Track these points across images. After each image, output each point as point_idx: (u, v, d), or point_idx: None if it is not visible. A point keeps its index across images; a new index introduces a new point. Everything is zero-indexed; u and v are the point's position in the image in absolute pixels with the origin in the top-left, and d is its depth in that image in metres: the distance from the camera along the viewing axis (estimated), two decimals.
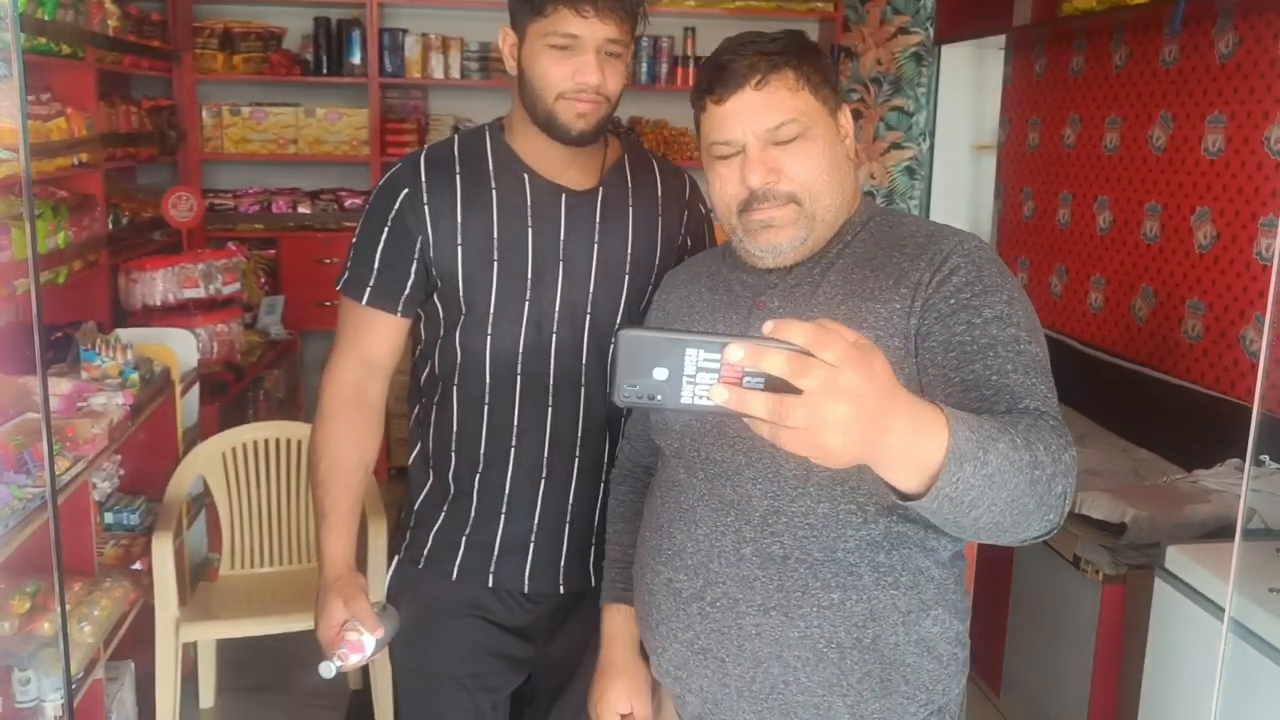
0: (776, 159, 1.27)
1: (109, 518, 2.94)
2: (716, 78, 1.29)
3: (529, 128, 1.61)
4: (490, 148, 1.66)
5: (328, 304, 4.67)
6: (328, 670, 1.48)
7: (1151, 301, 3.23)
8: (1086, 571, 2.52)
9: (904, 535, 1.26)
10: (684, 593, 1.32)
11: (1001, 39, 4.26)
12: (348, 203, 4.76)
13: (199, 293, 3.59)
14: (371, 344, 1.65)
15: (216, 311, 3.67)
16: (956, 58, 4.90)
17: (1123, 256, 3.40)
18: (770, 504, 1.27)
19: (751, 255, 1.33)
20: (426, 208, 1.60)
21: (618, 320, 1.66)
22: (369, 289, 1.62)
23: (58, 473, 2.20)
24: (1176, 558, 2.14)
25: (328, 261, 4.61)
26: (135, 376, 2.83)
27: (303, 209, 4.74)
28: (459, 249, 1.60)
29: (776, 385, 0.81)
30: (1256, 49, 2.80)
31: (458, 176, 1.63)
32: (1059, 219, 3.81)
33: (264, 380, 4.19)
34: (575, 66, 1.52)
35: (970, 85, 4.96)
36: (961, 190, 5.04)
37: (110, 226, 3.74)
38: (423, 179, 1.62)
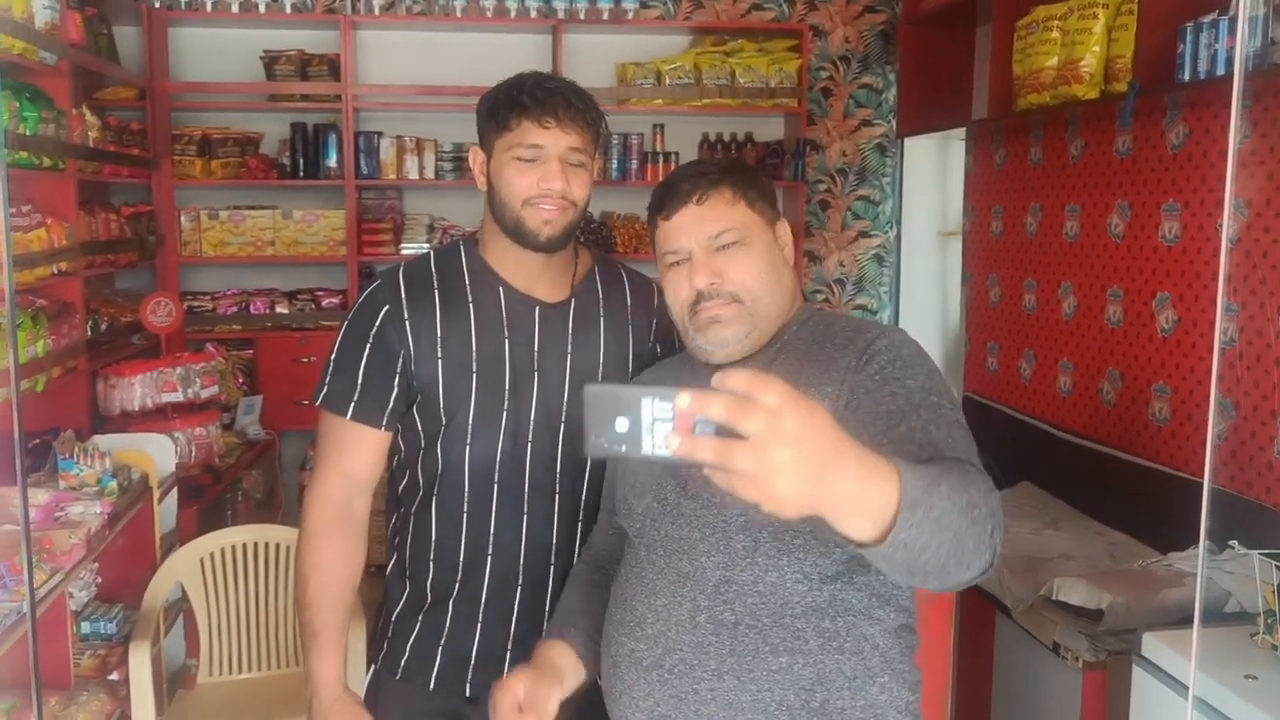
0: (718, 263, 1.46)
1: (85, 627, 2.91)
2: (665, 196, 1.51)
3: (501, 239, 1.66)
4: (465, 262, 1.71)
5: (305, 403, 4.65)
6: None
7: (1118, 385, 3.30)
8: (1066, 658, 2.53)
9: (849, 603, 1.36)
10: (644, 661, 1.40)
11: (962, 131, 4.39)
12: (325, 302, 4.80)
13: (177, 397, 3.60)
14: (356, 459, 1.67)
15: (195, 414, 3.67)
16: (920, 148, 5.04)
17: (1088, 341, 3.47)
18: (723, 574, 1.37)
19: (702, 350, 1.49)
20: (408, 323, 1.64)
21: None
22: (353, 404, 1.65)
23: (35, 585, 2.20)
24: (1153, 644, 2.16)
25: (306, 360, 4.63)
26: (113, 484, 2.82)
27: (280, 309, 4.77)
28: (439, 362, 1.64)
29: (727, 434, 0.86)
30: (1206, 139, 2.91)
31: (436, 292, 1.67)
32: (1024, 304, 3.89)
33: (242, 481, 4.17)
34: (540, 174, 1.60)
35: (934, 174, 5.09)
36: (929, 276, 5.14)
37: (89, 333, 3.76)
38: (403, 296, 1.66)
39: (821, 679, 1.33)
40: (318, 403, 1.68)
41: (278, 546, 3.02)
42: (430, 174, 4.80)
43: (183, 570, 2.93)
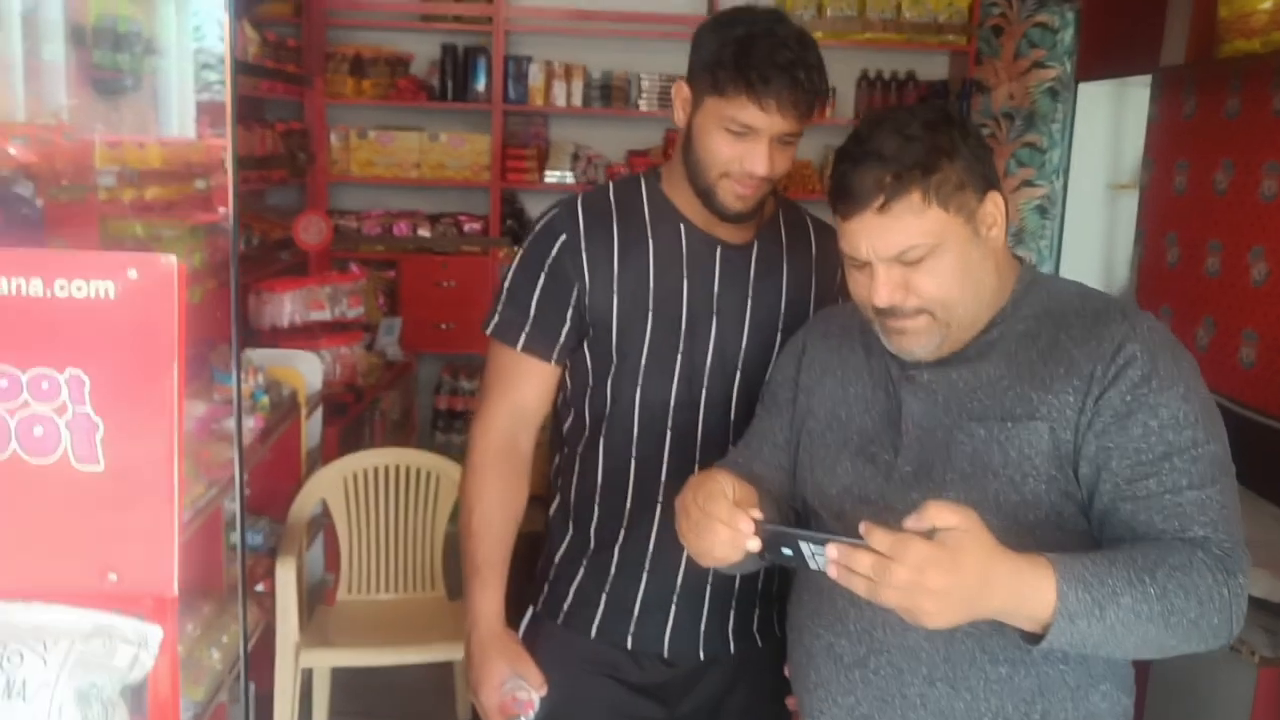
0: (904, 276, 1.22)
1: (234, 538, 2.97)
2: (839, 195, 1.24)
3: (687, 184, 1.57)
4: (646, 196, 1.62)
5: (443, 326, 4.72)
6: None
7: None
8: (1241, 652, 2.36)
9: None
10: (845, 658, 1.31)
11: (1143, 77, 4.09)
12: (467, 227, 4.80)
13: (325, 315, 3.64)
14: (524, 392, 1.62)
15: (340, 334, 3.71)
16: (1094, 94, 4.72)
17: (1279, 311, 3.21)
18: None
19: (890, 349, 1.31)
20: (584, 254, 1.57)
21: (772, 362, 1.59)
22: (524, 334, 1.59)
23: (194, 498, 2.23)
24: None
25: (446, 284, 4.65)
26: (265, 400, 2.86)
27: (422, 231, 4.79)
28: (615, 297, 1.57)
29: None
30: None
31: (615, 224, 1.59)
32: (1207, 267, 3.63)
33: (380, 402, 4.22)
34: (746, 151, 1.47)
35: (1108, 122, 4.78)
36: (1095, 232, 4.85)
37: (242, 247, 3.81)
38: (580, 226, 1.58)
39: (1043, 689, 1.24)
40: (488, 331, 1.63)
41: (418, 471, 3.03)
42: (578, 101, 4.71)
43: (327, 488, 2.97)
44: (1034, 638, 1.08)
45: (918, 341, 1.26)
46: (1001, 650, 1.23)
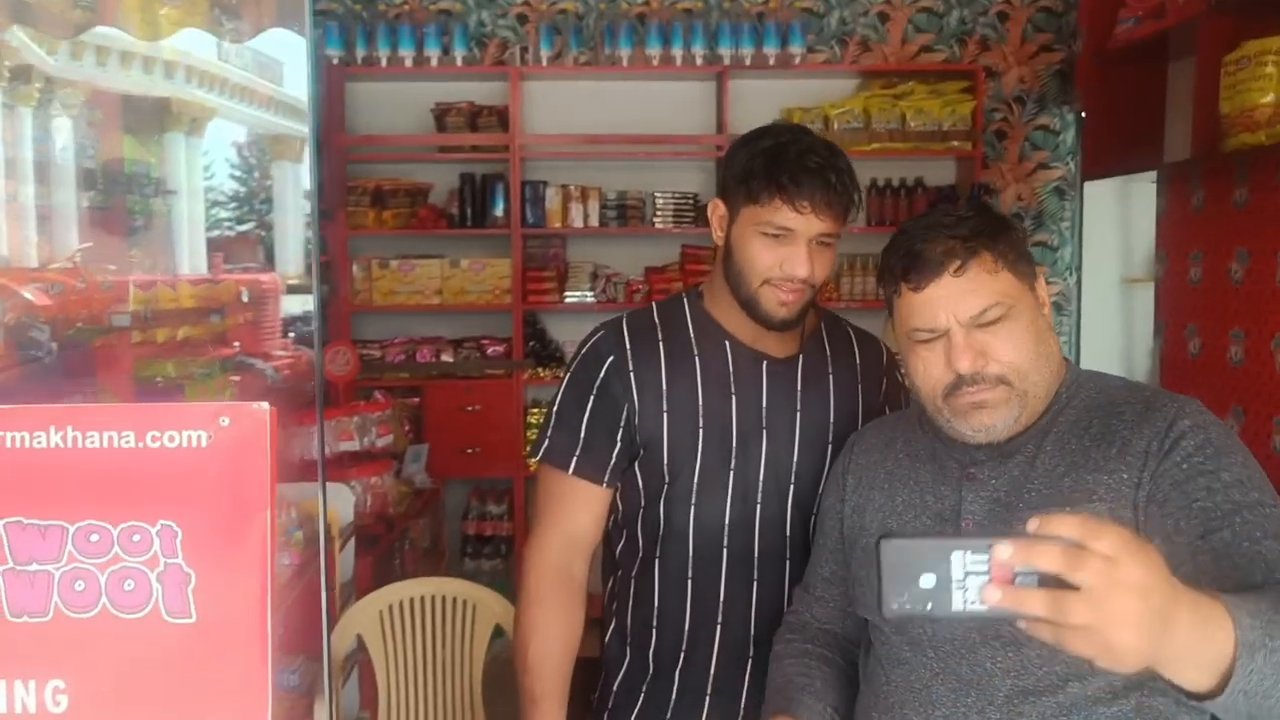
0: (983, 342, 1.25)
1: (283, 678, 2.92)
2: (912, 265, 1.27)
3: (730, 299, 1.59)
4: (690, 315, 1.65)
5: (469, 451, 4.72)
6: None
7: None
8: None
9: (1156, 710, 1.19)
10: None
11: (1151, 173, 4.16)
12: (490, 350, 4.83)
13: (354, 445, 3.64)
14: (576, 517, 1.61)
15: (370, 463, 3.70)
16: (1100, 191, 4.80)
17: None
18: (1014, 682, 1.21)
19: (963, 435, 1.29)
20: (633, 374, 1.58)
21: (820, 490, 1.59)
22: (575, 459, 1.59)
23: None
24: None
25: (471, 409, 4.66)
26: (299, 535, 2.84)
27: (446, 357, 4.82)
28: (664, 416, 1.57)
29: (1050, 584, 0.81)
30: None
31: (661, 343, 1.61)
32: (1230, 357, 3.63)
33: (410, 530, 4.19)
34: (785, 256, 1.50)
35: (1116, 218, 4.84)
36: (1113, 325, 4.87)
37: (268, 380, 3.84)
38: (628, 346, 1.60)
39: None
40: (537, 458, 1.63)
41: (454, 600, 2.99)
42: (595, 222, 4.80)
43: (362, 622, 2.93)
44: (1197, 696, 0.93)
45: (997, 415, 1.26)
46: None
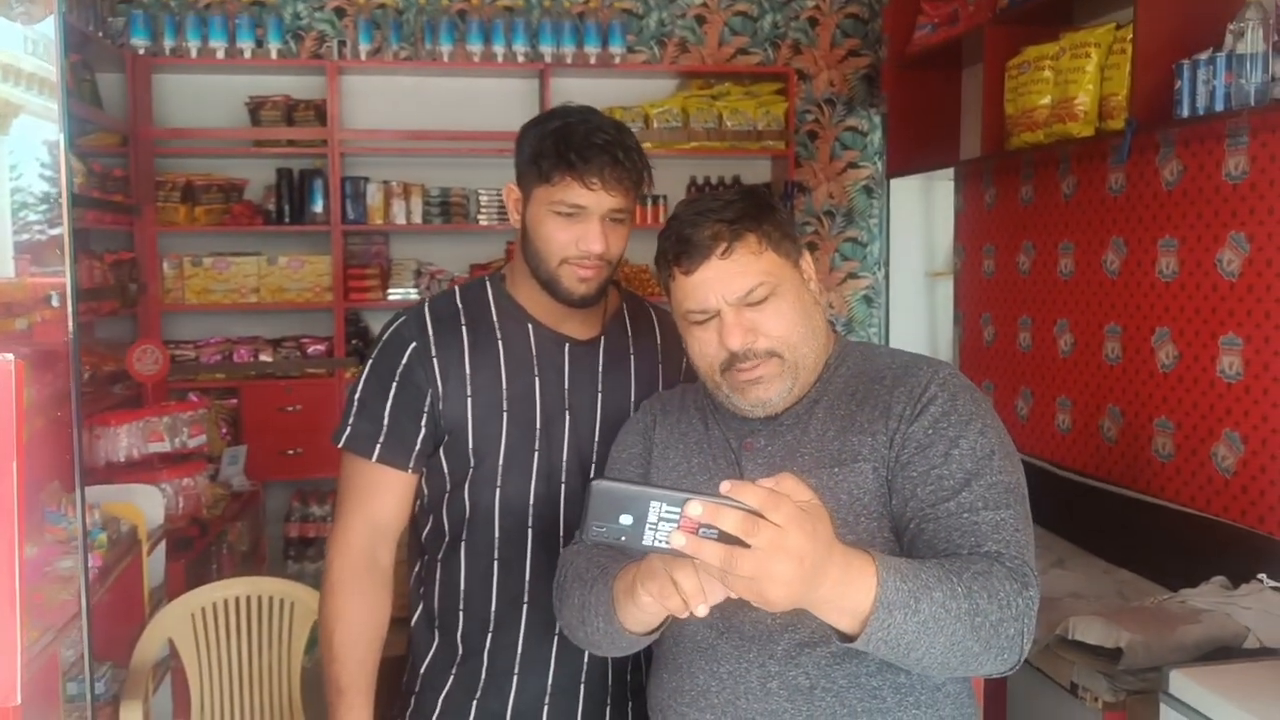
0: (751, 320, 1.33)
1: (71, 688, 2.80)
2: (682, 250, 1.35)
3: (531, 280, 1.62)
4: (493, 298, 1.67)
5: (290, 452, 4.61)
6: None
7: (1119, 421, 3.29)
8: (1085, 699, 2.49)
9: None
10: None
11: (947, 171, 4.42)
12: (310, 349, 4.73)
13: (164, 447, 3.52)
14: (382, 504, 1.61)
15: (181, 465, 3.58)
16: (905, 189, 5.06)
17: (1086, 378, 3.47)
18: (791, 636, 1.29)
19: (742, 409, 1.37)
20: (435, 361, 1.59)
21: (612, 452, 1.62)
22: (379, 445, 1.59)
23: (26, 644, 2.10)
24: (1181, 681, 2.12)
25: (291, 409, 4.56)
26: (103, 537, 2.74)
27: (264, 357, 4.70)
28: (468, 401, 1.59)
29: (729, 537, 0.95)
30: (1200, 176, 2.93)
31: (464, 328, 1.62)
32: (1020, 343, 3.89)
33: (227, 534, 4.07)
34: (580, 233, 1.54)
35: (921, 215, 5.12)
36: (919, 316, 5.14)
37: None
38: (430, 332, 1.61)
39: None
40: (340, 444, 1.62)
41: (270, 600, 2.93)
42: (417, 219, 4.76)
43: (173, 626, 2.83)
44: (846, 637, 1.09)
45: (771, 389, 1.34)
46: (859, 702, 1.27)
